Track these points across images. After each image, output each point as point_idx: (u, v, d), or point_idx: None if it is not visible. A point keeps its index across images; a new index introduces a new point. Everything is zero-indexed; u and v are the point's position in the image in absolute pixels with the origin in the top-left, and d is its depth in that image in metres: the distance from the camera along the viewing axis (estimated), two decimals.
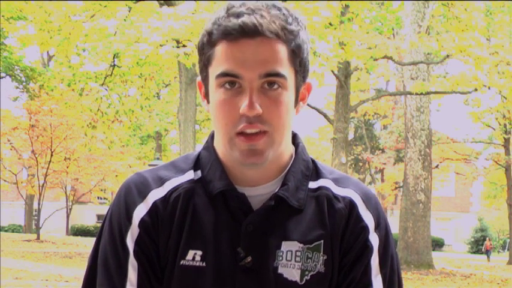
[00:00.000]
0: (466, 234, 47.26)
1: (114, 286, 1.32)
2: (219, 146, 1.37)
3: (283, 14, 1.28)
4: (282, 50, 1.27)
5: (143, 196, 1.35)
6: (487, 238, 35.97)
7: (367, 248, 1.35)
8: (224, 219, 1.33)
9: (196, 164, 1.39)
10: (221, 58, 1.28)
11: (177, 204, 1.34)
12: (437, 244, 42.95)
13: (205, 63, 1.33)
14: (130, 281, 1.32)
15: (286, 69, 1.28)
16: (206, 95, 1.36)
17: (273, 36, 1.25)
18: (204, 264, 1.31)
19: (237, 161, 1.31)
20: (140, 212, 1.34)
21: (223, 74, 1.27)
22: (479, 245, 46.36)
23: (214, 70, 1.29)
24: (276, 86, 1.27)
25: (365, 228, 1.36)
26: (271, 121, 1.27)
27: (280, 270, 1.32)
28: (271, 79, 1.27)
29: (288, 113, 1.30)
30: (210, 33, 1.29)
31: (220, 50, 1.28)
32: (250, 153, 1.28)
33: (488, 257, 33.34)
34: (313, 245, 1.33)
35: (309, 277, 1.33)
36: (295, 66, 1.31)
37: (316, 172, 1.41)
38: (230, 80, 1.27)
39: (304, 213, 1.35)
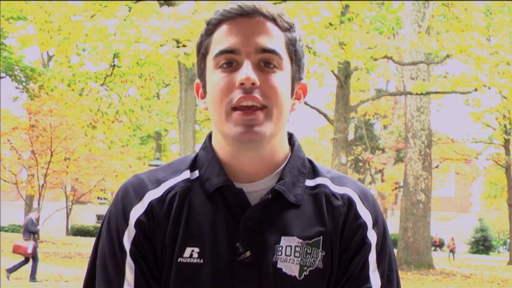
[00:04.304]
0: (466, 234, 47.26)
1: (112, 287, 1.33)
2: (216, 141, 1.38)
3: (279, 10, 1.34)
4: (279, 34, 1.32)
5: (140, 197, 1.36)
6: (451, 237, 36.18)
7: (365, 244, 1.36)
8: (222, 216, 1.34)
9: (194, 165, 1.40)
10: (219, 39, 1.31)
11: (173, 203, 1.35)
12: (438, 244, 42.95)
13: (203, 53, 1.35)
14: (128, 281, 1.32)
15: (282, 51, 1.31)
16: (204, 93, 1.37)
17: (270, 17, 1.31)
18: (201, 261, 1.32)
19: (234, 140, 1.30)
20: (136, 212, 1.35)
21: (221, 52, 1.30)
22: (479, 245, 46.40)
23: (212, 53, 1.32)
24: (272, 66, 1.29)
25: (363, 225, 1.37)
26: (269, 95, 1.28)
27: (279, 265, 1.32)
28: (268, 55, 1.29)
29: (285, 95, 1.31)
30: (208, 22, 1.34)
31: (218, 33, 1.32)
32: (247, 128, 1.27)
33: (453, 255, 33.57)
34: (312, 241, 1.34)
35: (307, 273, 1.33)
36: (291, 55, 1.34)
37: (313, 171, 1.42)
38: (227, 57, 1.29)
39: (303, 210, 1.36)
